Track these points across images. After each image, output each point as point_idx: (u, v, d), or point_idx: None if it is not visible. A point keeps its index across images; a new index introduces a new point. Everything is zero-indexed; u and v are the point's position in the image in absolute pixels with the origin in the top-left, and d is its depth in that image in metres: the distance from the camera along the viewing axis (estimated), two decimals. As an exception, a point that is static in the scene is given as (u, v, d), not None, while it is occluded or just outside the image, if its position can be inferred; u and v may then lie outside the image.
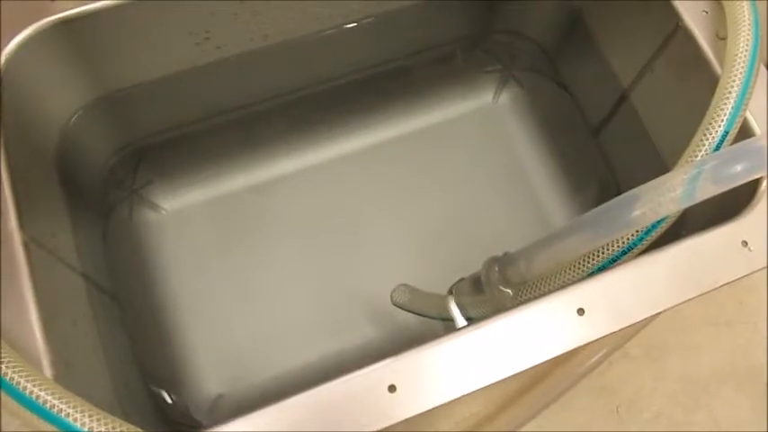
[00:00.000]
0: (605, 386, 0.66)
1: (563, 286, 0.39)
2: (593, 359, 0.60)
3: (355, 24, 0.57)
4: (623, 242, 0.39)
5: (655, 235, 0.39)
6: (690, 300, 0.37)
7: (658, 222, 0.39)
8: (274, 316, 0.61)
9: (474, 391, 0.35)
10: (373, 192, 0.66)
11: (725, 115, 0.38)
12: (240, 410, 0.34)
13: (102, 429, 0.30)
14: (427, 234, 0.64)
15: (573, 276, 0.40)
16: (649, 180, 0.34)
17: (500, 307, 0.44)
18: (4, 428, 0.33)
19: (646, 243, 0.39)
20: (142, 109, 0.58)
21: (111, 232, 0.59)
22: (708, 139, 0.39)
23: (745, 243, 0.39)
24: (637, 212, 0.34)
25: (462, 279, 0.51)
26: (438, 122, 0.68)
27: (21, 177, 0.40)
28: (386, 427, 0.34)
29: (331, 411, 0.34)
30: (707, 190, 0.33)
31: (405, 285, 0.54)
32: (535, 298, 0.38)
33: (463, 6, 0.62)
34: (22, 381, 0.30)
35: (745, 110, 0.39)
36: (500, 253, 0.45)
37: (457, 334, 0.36)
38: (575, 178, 0.66)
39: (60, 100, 0.51)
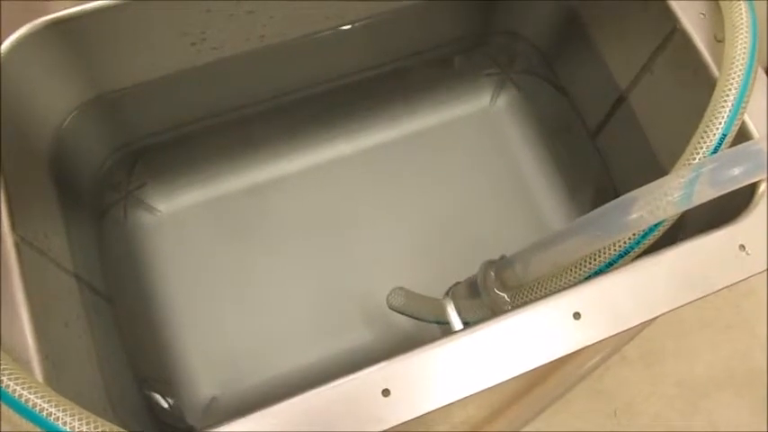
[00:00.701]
0: (602, 390, 0.66)
1: (560, 290, 0.39)
2: (591, 363, 0.60)
3: (352, 26, 0.57)
4: (620, 245, 0.39)
5: (652, 238, 0.39)
6: (687, 304, 0.37)
7: (656, 226, 0.39)
8: (270, 319, 0.61)
9: (469, 396, 0.35)
10: (370, 194, 0.65)
11: (723, 118, 0.38)
12: (234, 413, 0.34)
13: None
14: (424, 237, 0.64)
15: (570, 280, 0.40)
16: (647, 183, 0.33)
17: (496, 311, 0.43)
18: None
19: (643, 246, 0.39)
20: (138, 110, 0.58)
21: (105, 234, 0.59)
22: (705, 142, 0.38)
23: (742, 247, 0.39)
24: (634, 216, 0.34)
25: (458, 282, 0.51)
26: (435, 125, 0.68)
27: (13, 177, 0.40)
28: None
29: (324, 415, 0.34)
30: (704, 193, 0.33)
31: (400, 288, 0.53)
32: (531, 302, 0.38)
33: (460, 8, 0.62)
34: (11, 383, 0.30)
35: (743, 113, 0.39)
36: (497, 256, 0.45)
37: (451, 338, 0.36)
38: (572, 181, 0.66)
39: (55, 100, 0.50)
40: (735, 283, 0.38)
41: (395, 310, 0.53)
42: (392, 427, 0.34)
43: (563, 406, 0.63)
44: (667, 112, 0.51)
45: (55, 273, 0.43)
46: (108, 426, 0.30)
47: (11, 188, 0.39)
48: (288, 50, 0.57)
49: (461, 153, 0.67)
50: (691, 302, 0.37)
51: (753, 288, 0.70)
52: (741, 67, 0.39)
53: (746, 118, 0.42)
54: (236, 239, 0.63)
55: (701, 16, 0.45)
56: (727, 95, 0.39)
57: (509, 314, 0.37)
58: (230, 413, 0.34)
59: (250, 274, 0.62)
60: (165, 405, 0.56)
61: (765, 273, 0.39)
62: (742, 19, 0.41)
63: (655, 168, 0.52)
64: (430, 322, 0.51)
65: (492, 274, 0.44)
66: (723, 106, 0.38)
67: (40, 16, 0.43)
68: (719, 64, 0.42)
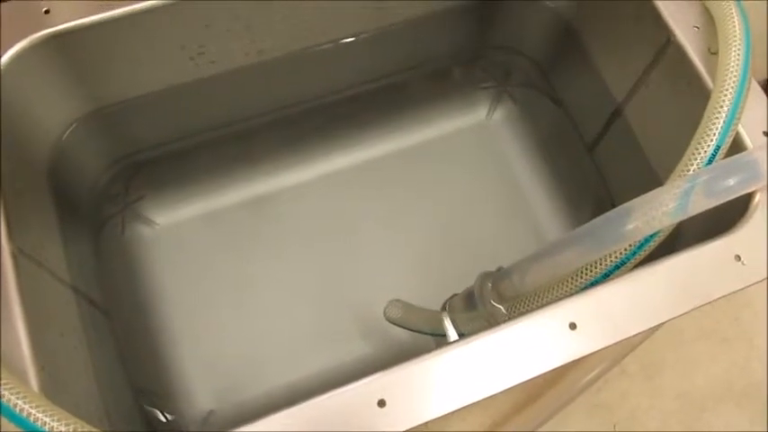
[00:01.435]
0: (601, 404, 0.65)
1: (556, 301, 0.39)
2: (590, 376, 0.60)
3: (350, 40, 0.57)
4: (616, 256, 0.39)
5: (648, 249, 0.39)
6: (683, 314, 0.37)
7: (651, 236, 0.39)
8: (267, 332, 0.61)
9: (464, 407, 0.35)
10: (368, 207, 0.65)
11: (717, 129, 0.38)
12: (232, 426, 0.34)
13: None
14: (422, 249, 0.64)
15: (566, 291, 0.40)
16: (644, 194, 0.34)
17: (493, 323, 0.43)
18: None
19: (639, 257, 0.39)
20: (136, 123, 0.58)
21: (103, 246, 0.59)
22: (700, 153, 0.38)
23: (738, 257, 0.39)
24: (630, 226, 0.34)
25: (456, 294, 0.51)
26: (432, 138, 0.68)
27: (11, 188, 0.40)
28: (376, 442, 0.34)
29: (320, 426, 0.34)
30: (700, 204, 0.33)
31: (398, 301, 0.53)
32: (528, 313, 0.38)
33: (457, 23, 0.62)
34: (6, 393, 0.30)
35: (737, 124, 0.39)
36: (495, 268, 0.45)
37: (447, 348, 0.36)
38: (569, 194, 0.66)
39: (54, 112, 0.51)
40: (731, 293, 0.38)
41: (392, 323, 0.53)
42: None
43: (562, 420, 0.62)
44: (663, 125, 0.51)
45: (52, 284, 0.43)
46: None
47: (8, 199, 0.39)
48: (286, 64, 0.57)
49: (458, 165, 0.67)
50: (687, 312, 0.37)
51: (751, 300, 0.70)
52: (735, 79, 0.39)
53: (741, 129, 0.42)
54: (234, 252, 0.63)
55: (695, 29, 0.45)
56: (722, 107, 0.39)
57: (505, 325, 0.37)
58: (228, 426, 0.34)
59: (248, 286, 0.62)
60: (163, 417, 0.56)
61: (762, 283, 0.39)
62: (735, 31, 0.41)
63: (651, 180, 0.52)
64: (427, 334, 0.51)
65: (489, 285, 0.44)
66: (717, 117, 0.39)
67: (40, 30, 0.44)
68: (714, 76, 0.42)
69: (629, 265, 0.39)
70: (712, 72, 0.44)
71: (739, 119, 0.39)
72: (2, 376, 0.31)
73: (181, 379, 0.58)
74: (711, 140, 0.38)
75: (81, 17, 0.44)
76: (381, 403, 0.34)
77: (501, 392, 0.35)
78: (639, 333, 0.37)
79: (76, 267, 0.49)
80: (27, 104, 0.47)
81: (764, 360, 0.68)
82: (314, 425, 0.34)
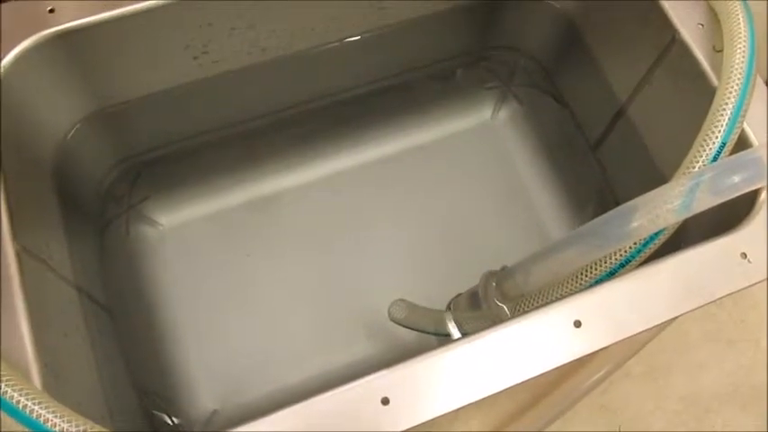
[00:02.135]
0: (606, 406, 0.65)
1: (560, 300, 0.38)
2: (594, 378, 0.59)
3: (354, 39, 0.57)
4: (621, 254, 0.39)
5: (653, 247, 0.39)
6: (688, 312, 0.37)
7: (656, 234, 0.39)
8: (271, 332, 0.61)
9: (468, 405, 0.34)
10: (372, 207, 0.65)
11: (722, 126, 0.38)
12: (235, 426, 0.34)
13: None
14: (426, 249, 0.64)
15: (570, 290, 0.40)
16: (648, 194, 0.34)
17: (497, 322, 0.43)
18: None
19: (644, 255, 0.39)
20: (141, 123, 0.58)
21: (107, 246, 0.59)
22: (705, 151, 0.38)
23: (744, 255, 0.38)
24: (635, 224, 0.34)
25: (460, 294, 0.51)
26: (437, 138, 0.68)
27: (15, 187, 0.40)
28: (379, 440, 0.33)
29: (323, 424, 0.34)
30: (705, 201, 0.33)
31: (402, 301, 0.53)
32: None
33: (461, 23, 0.62)
34: (9, 390, 0.30)
35: (742, 121, 0.39)
36: (499, 268, 0.45)
37: (451, 346, 0.36)
38: (573, 193, 0.66)
39: (59, 113, 0.51)
40: (737, 291, 0.37)
41: (396, 323, 0.53)
42: (392, 436, 0.34)
43: (567, 421, 0.62)
44: (667, 123, 0.51)
45: (55, 283, 0.43)
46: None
47: (12, 198, 0.39)
48: (289, 64, 0.57)
49: (463, 166, 0.67)
50: (693, 310, 0.37)
51: (757, 301, 0.69)
52: (740, 76, 0.39)
53: (746, 126, 0.42)
54: (239, 253, 0.63)
55: (700, 27, 0.45)
56: (726, 104, 0.39)
57: (509, 322, 0.37)
58: (231, 427, 0.34)
59: (252, 287, 0.62)
60: (166, 418, 0.56)
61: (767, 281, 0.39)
62: (740, 29, 0.41)
63: (656, 179, 0.52)
64: (431, 334, 0.51)
65: (493, 284, 0.44)
66: (722, 114, 0.39)
67: (44, 29, 0.44)
68: (719, 74, 0.42)
69: (633, 263, 0.39)
70: (717, 70, 0.44)
71: (744, 116, 0.39)
72: (3, 372, 0.31)
73: (184, 379, 0.58)
74: (716, 137, 0.38)
75: (85, 16, 0.44)
76: (385, 401, 0.34)
77: (505, 390, 0.35)
78: (645, 331, 0.36)
79: (81, 267, 0.49)
80: (31, 104, 0.47)
81: (771, 362, 0.68)
82: (318, 422, 0.33)
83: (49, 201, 0.48)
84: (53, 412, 0.30)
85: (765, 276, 0.38)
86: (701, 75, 0.44)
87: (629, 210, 0.35)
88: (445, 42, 0.64)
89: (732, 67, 0.40)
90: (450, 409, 0.34)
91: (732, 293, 0.38)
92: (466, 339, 0.36)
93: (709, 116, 0.39)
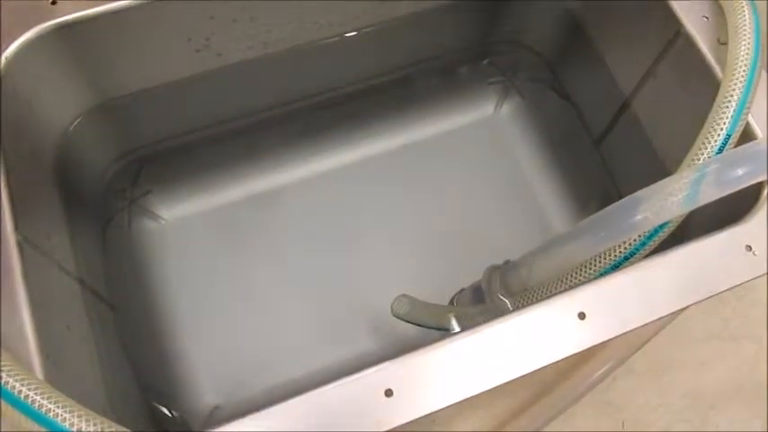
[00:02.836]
0: (610, 402, 0.65)
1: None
2: (598, 374, 0.59)
3: (356, 33, 0.57)
4: (625, 247, 0.39)
5: (657, 240, 0.39)
6: (694, 304, 0.37)
7: (661, 227, 0.38)
8: (273, 326, 0.60)
9: (473, 396, 0.34)
10: (374, 202, 0.65)
11: (727, 118, 0.38)
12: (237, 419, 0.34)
13: (93, 430, 0.30)
14: (428, 244, 0.64)
15: (574, 283, 0.40)
16: (652, 188, 0.33)
17: (501, 317, 0.43)
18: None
19: (648, 248, 0.39)
20: (143, 117, 0.58)
21: (109, 240, 0.59)
22: (710, 143, 0.38)
23: (749, 247, 0.38)
24: (639, 216, 0.34)
25: (464, 289, 0.51)
26: (440, 133, 0.68)
27: (18, 179, 0.40)
28: (382, 432, 0.33)
29: (326, 415, 0.33)
30: (710, 193, 0.33)
31: (405, 296, 0.53)
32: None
33: (464, 16, 0.62)
34: (10, 380, 0.30)
35: (747, 113, 0.39)
36: (502, 262, 0.45)
37: (455, 338, 0.36)
38: (577, 189, 0.65)
39: (60, 105, 0.51)
40: (742, 284, 0.37)
41: (399, 318, 0.52)
42: (395, 428, 0.33)
43: (570, 417, 0.62)
44: (672, 117, 0.51)
45: (57, 275, 0.43)
46: (115, 427, 0.30)
47: (14, 189, 0.39)
48: (292, 58, 0.57)
49: (466, 161, 0.67)
50: (697, 303, 0.37)
51: (760, 298, 0.69)
52: (745, 68, 0.39)
53: (751, 119, 0.42)
54: (241, 248, 0.63)
55: (705, 19, 0.45)
56: (732, 95, 0.38)
57: (513, 314, 0.37)
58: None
59: (254, 282, 0.62)
60: (168, 413, 0.56)
61: (773, 279, 0.38)
62: (745, 21, 0.41)
63: (660, 173, 0.51)
64: (435, 330, 0.50)
65: (497, 279, 0.44)
66: (727, 106, 0.38)
67: (46, 20, 0.43)
68: (723, 66, 0.42)
69: (638, 255, 0.39)
70: (722, 62, 0.43)
71: (749, 108, 0.39)
72: (4, 362, 0.30)
73: (186, 373, 0.58)
74: (722, 129, 0.38)
75: (87, 8, 0.44)
76: (389, 393, 0.34)
77: (509, 382, 0.35)
78: (649, 323, 0.36)
79: (83, 260, 0.49)
80: (33, 96, 0.46)
81: (774, 358, 0.67)
82: (320, 414, 0.33)
83: (51, 193, 0.48)
84: (56, 402, 0.30)
85: (770, 269, 0.38)
86: (706, 68, 0.44)
87: (634, 202, 0.34)
88: (447, 37, 0.64)
89: (737, 58, 0.40)
90: (454, 401, 0.34)
91: (737, 286, 0.37)
92: (470, 331, 0.36)
93: (715, 108, 0.39)
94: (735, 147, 0.38)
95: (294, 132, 0.65)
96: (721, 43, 0.44)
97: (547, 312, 0.36)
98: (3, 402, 0.29)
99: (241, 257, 0.63)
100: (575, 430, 0.63)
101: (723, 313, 0.69)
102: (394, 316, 0.52)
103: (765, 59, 0.41)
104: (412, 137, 0.68)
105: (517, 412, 0.59)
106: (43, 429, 0.29)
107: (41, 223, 0.43)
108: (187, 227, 0.63)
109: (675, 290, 0.37)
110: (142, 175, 0.62)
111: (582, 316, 0.36)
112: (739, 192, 0.32)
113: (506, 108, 0.69)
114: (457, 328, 0.48)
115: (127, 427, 0.31)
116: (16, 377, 0.30)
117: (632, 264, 0.38)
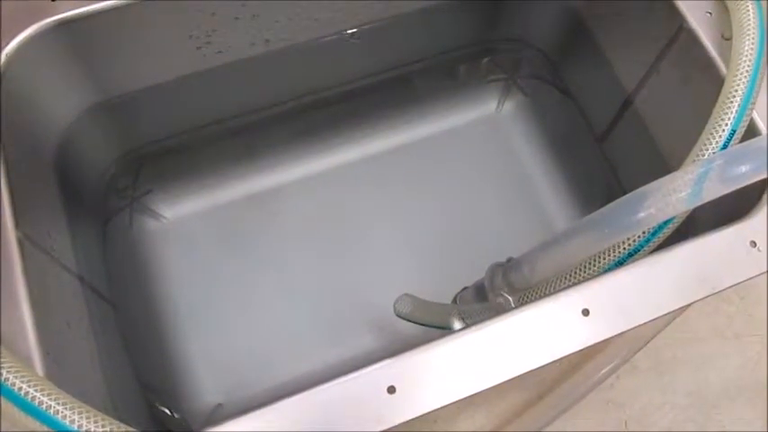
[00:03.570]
0: (613, 400, 0.65)
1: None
2: (602, 372, 0.59)
3: (356, 30, 0.57)
4: (629, 244, 0.38)
5: (662, 236, 0.39)
6: (698, 300, 0.37)
7: (665, 223, 0.38)
8: (275, 325, 0.60)
9: (475, 394, 0.34)
10: (376, 200, 0.65)
11: (732, 113, 0.38)
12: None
13: (94, 429, 0.30)
14: (431, 243, 0.64)
15: (577, 280, 0.39)
16: (655, 187, 0.33)
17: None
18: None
19: (652, 245, 0.39)
20: (144, 115, 0.58)
21: (110, 238, 0.59)
22: (714, 138, 0.38)
23: (753, 243, 0.38)
24: (644, 213, 0.34)
25: (466, 288, 0.50)
26: (442, 131, 0.68)
27: (19, 176, 0.40)
28: (385, 430, 0.33)
29: (329, 412, 0.33)
30: (715, 189, 0.32)
31: (408, 295, 0.53)
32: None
33: (466, 14, 0.62)
34: (11, 377, 0.30)
35: (752, 108, 0.38)
36: (505, 260, 0.45)
37: (458, 335, 0.35)
38: (579, 185, 0.65)
39: (61, 103, 0.51)
40: (747, 280, 0.37)
41: (402, 318, 0.52)
42: (397, 425, 0.33)
43: (573, 416, 0.62)
44: (674, 113, 0.50)
45: (58, 272, 0.43)
46: (116, 424, 0.30)
47: (15, 187, 0.39)
48: (293, 55, 0.57)
49: (468, 158, 0.67)
50: (702, 299, 0.37)
51: (764, 296, 0.69)
52: (749, 63, 0.39)
53: (755, 115, 0.41)
54: (242, 246, 0.63)
55: (708, 15, 0.45)
56: (736, 91, 0.38)
57: (517, 311, 0.36)
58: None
59: (255, 280, 0.62)
60: (169, 411, 0.55)
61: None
62: (749, 16, 0.41)
63: (663, 170, 0.51)
64: (438, 328, 0.50)
65: (499, 276, 0.44)
66: (732, 102, 0.38)
67: (47, 17, 0.43)
68: (727, 62, 0.42)
69: (642, 252, 0.38)
70: (725, 58, 0.43)
71: (754, 103, 0.39)
72: (5, 359, 0.30)
73: (187, 372, 0.58)
74: (726, 125, 0.38)
75: (88, 5, 0.44)
76: (391, 390, 0.34)
77: (513, 379, 0.34)
78: (653, 320, 0.36)
79: (83, 258, 0.49)
80: (33, 93, 0.46)
81: (778, 357, 0.67)
82: (324, 411, 0.33)
83: (52, 191, 0.48)
84: (56, 399, 0.29)
85: (775, 265, 0.38)
86: (710, 63, 0.44)
87: (638, 198, 0.34)
88: (449, 34, 0.64)
89: (741, 54, 0.39)
90: (456, 399, 0.34)
91: (742, 282, 0.37)
92: (473, 328, 0.36)
93: (719, 103, 0.39)
94: (739, 143, 0.38)
95: (294, 131, 0.65)
96: (725, 39, 0.44)
97: (550, 309, 0.36)
98: (3, 401, 0.29)
99: (242, 256, 0.63)
100: (577, 430, 0.63)
101: (726, 311, 0.69)
102: (397, 315, 0.52)
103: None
104: (413, 135, 0.67)
105: (520, 411, 0.59)
106: (45, 428, 0.29)
107: (42, 221, 0.43)
108: (189, 225, 0.63)
109: (680, 286, 0.37)
110: (143, 173, 0.62)
111: (586, 312, 0.36)
112: (743, 188, 0.32)
113: (508, 106, 0.69)
114: (460, 327, 0.48)
115: (128, 426, 0.30)
116: (17, 374, 0.30)
117: (636, 260, 0.38)
